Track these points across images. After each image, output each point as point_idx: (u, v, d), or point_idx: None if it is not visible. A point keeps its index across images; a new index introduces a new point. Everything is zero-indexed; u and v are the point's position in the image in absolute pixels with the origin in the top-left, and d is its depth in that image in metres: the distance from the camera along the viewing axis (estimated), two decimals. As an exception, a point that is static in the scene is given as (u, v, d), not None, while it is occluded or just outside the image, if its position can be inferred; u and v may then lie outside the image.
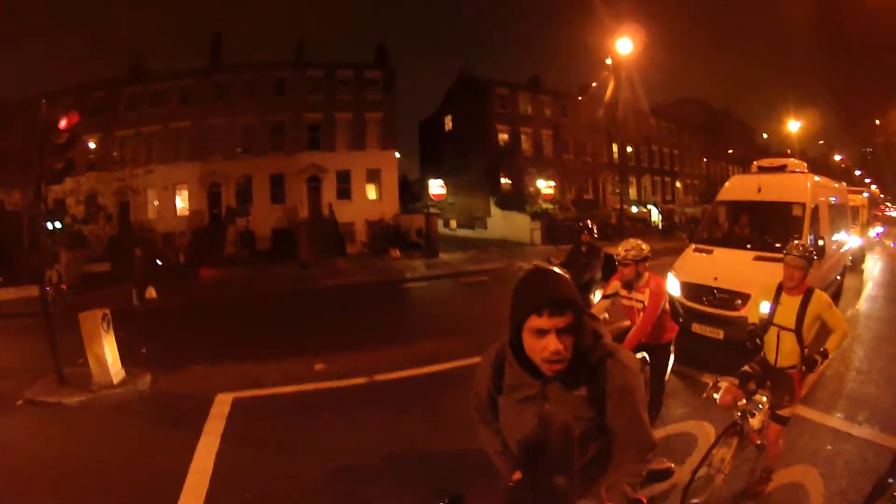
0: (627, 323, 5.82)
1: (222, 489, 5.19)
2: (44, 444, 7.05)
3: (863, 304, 13.12)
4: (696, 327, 8.68)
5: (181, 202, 36.96)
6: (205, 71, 37.90)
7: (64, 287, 19.87)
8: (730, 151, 66.42)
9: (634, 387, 2.18)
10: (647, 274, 5.49)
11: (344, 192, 38.14)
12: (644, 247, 5.47)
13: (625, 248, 5.45)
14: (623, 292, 5.66)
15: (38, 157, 9.77)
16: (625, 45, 26.70)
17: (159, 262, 20.18)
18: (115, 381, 8.73)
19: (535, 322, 2.01)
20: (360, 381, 8.13)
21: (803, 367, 4.61)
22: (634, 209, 49.45)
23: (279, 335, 12.47)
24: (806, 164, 10.91)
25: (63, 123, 9.65)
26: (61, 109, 10.65)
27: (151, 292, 17.20)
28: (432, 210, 30.82)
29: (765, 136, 73.23)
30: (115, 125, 35.78)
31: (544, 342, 2.01)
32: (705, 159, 65.86)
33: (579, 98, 46.76)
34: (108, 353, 8.75)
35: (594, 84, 38.10)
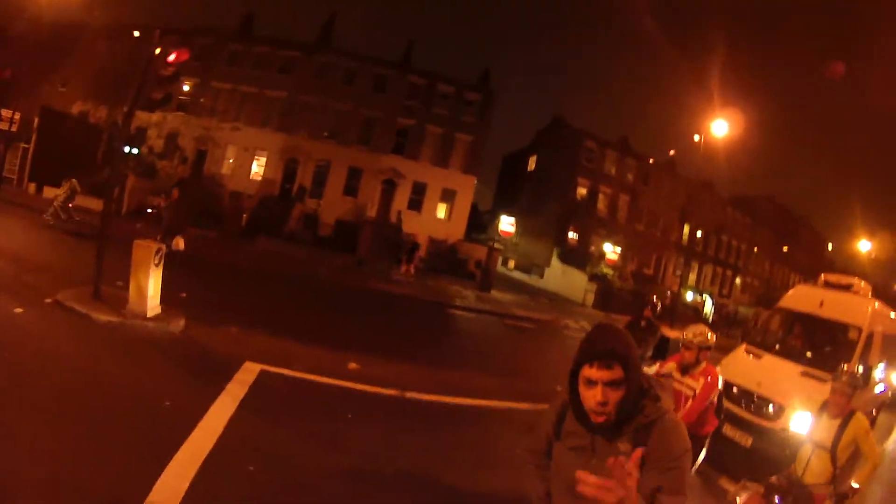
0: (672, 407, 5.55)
1: (226, 452, 4.92)
2: (56, 348, 6.99)
3: (891, 445, 12.41)
4: (727, 429, 8.28)
5: (256, 167, 37.29)
6: (311, 48, 38.34)
7: (70, 206, 19.89)
8: (784, 249, 64.24)
9: (680, 456, 2.11)
10: (705, 362, 5.44)
11: (415, 203, 37.99)
12: (710, 336, 5.45)
13: (693, 333, 5.44)
14: (677, 375, 5.65)
15: (138, 82, 9.83)
16: (719, 126, 25.96)
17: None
18: (150, 314, 8.64)
19: (586, 372, 2.10)
20: (391, 392, 7.72)
21: (832, 495, 4.60)
22: (690, 296, 48.34)
23: (319, 322, 12.25)
24: (871, 289, 10.52)
25: (171, 58, 9.71)
26: (171, 43, 10.76)
27: (179, 243, 14.26)
28: (496, 245, 30.47)
29: (830, 246, 71.37)
30: (214, 76, 36.43)
31: (592, 392, 2.08)
32: (770, 261, 64.20)
33: (659, 166, 46.30)
34: (151, 286, 8.69)
35: (672, 152, 37.38)
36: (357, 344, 10.14)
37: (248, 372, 7.12)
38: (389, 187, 37.51)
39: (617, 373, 2.04)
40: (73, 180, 20.16)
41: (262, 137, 36.77)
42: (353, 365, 8.54)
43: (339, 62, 37.84)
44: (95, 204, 25.24)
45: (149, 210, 18.98)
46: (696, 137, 29.36)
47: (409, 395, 7.79)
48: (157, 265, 8.75)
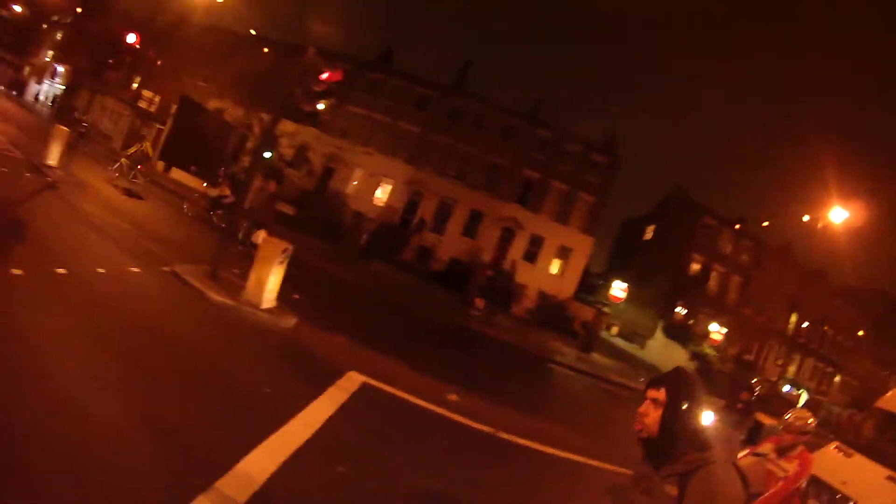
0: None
1: (318, 448, 4.98)
2: (167, 313, 7.54)
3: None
4: (801, 521, 7.85)
5: (381, 193, 38.38)
6: (446, 89, 39.44)
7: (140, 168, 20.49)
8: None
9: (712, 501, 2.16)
10: (801, 447, 5.42)
11: (531, 255, 37.83)
12: (811, 422, 5.47)
13: (795, 416, 5.46)
14: (773, 456, 5.53)
15: (289, 92, 10.29)
16: (838, 214, 24.44)
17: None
18: (263, 305, 8.94)
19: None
20: (486, 429, 7.61)
21: None
22: (787, 388, 45.65)
23: (423, 350, 12.38)
24: None
25: (325, 76, 10.12)
26: (328, 61, 11.18)
27: (259, 237, 13.63)
28: (605, 309, 29.95)
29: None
30: (351, 100, 37.78)
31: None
32: (871, 360, 59.51)
33: (774, 250, 44.41)
34: (271, 281, 9.02)
35: (806, 218, 35.32)
36: (457, 377, 10.11)
37: (351, 381, 7.20)
38: (507, 235, 37.61)
39: (661, 394, 2.34)
40: (147, 143, 21.07)
41: (389, 166, 37.94)
42: (452, 396, 8.49)
43: (471, 106, 38.69)
44: (217, 193, 26.71)
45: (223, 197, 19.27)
46: (806, 218, 27.99)
47: (503, 435, 7.63)
48: (280, 263, 9.09)
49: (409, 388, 7.87)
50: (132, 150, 20.23)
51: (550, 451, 7.88)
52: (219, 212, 18.13)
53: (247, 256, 12.13)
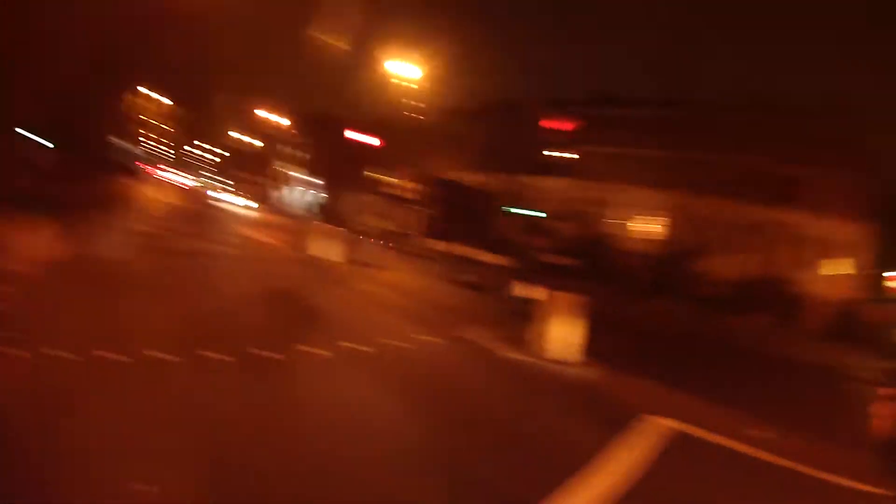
0: None
1: (615, 497, 4.78)
2: (462, 373, 8.35)
3: None
4: None
5: (650, 226, 37.54)
6: (675, 104, 37.90)
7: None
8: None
9: None
10: None
11: (805, 258, 33.80)
12: None
13: None
14: None
15: (534, 150, 10.59)
16: None
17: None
18: (563, 358, 9.18)
19: None
20: (813, 473, 6.61)
21: None
22: None
23: (728, 383, 11.43)
24: None
25: (565, 126, 10.26)
26: (556, 114, 11.34)
27: (534, 292, 12.31)
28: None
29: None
30: (600, 141, 37.54)
31: None
32: None
33: None
34: (563, 333, 9.31)
35: None
36: (768, 412, 9.17)
37: (652, 424, 6.86)
38: (782, 241, 34.16)
39: None
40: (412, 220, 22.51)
41: (652, 197, 36.96)
42: (767, 434, 7.71)
43: (709, 115, 36.51)
44: (492, 258, 28.14)
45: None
46: None
47: (844, 482, 6.59)
48: (576, 314, 9.33)
49: (717, 429, 7.18)
50: (375, 229, 22.17)
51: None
52: (472, 272, 19.53)
53: (521, 312, 12.52)
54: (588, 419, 7.00)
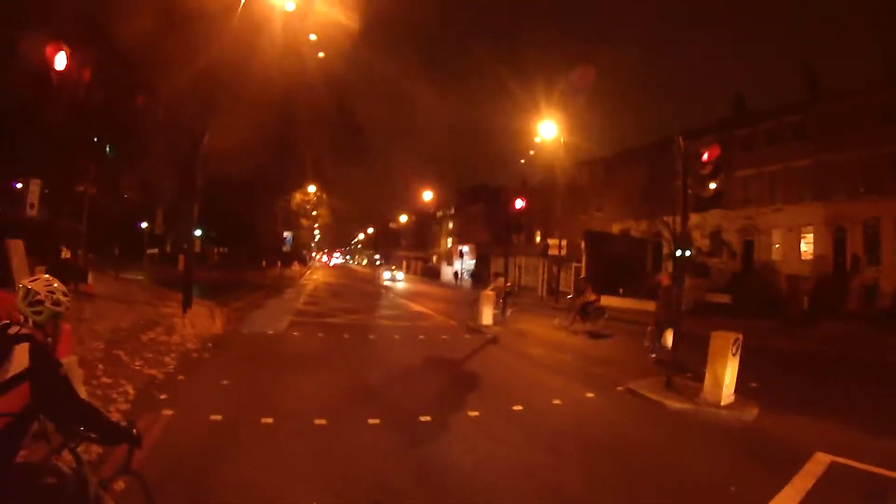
0: None
1: None
2: (628, 428, 8.17)
3: None
4: None
5: (804, 245, 34.57)
6: (807, 104, 34.66)
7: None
8: None
9: None
10: None
11: None
12: None
13: None
14: None
15: (682, 186, 10.59)
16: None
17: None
18: (723, 402, 8.96)
19: None
20: None
21: None
22: None
23: (882, 407, 10.64)
24: None
25: (705, 157, 10.25)
26: (700, 143, 11.26)
27: (667, 338, 12.92)
28: None
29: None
30: (734, 165, 35.08)
31: None
32: None
33: None
34: (728, 375, 9.05)
35: None
36: None
37: (818, 463, 6.67)
38: None
39: None
40: (500, 279, 22.43)
41: (802, 212, 34.05)
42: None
43: (840, 108, 32.69)
44: (651, 306, 27.58)
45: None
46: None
47: None
48: (734, 354, 9.12)
49: (881, 460, 6.86)
50: (490, 288, 22.02)
51: None
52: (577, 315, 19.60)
53: (658, 361, 12.41)
54: (752, 466, 6.83)
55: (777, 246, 35.68)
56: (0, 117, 18.61)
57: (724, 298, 30.46)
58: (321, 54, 25.36)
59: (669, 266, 31.76)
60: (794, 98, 36.74)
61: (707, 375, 9.22)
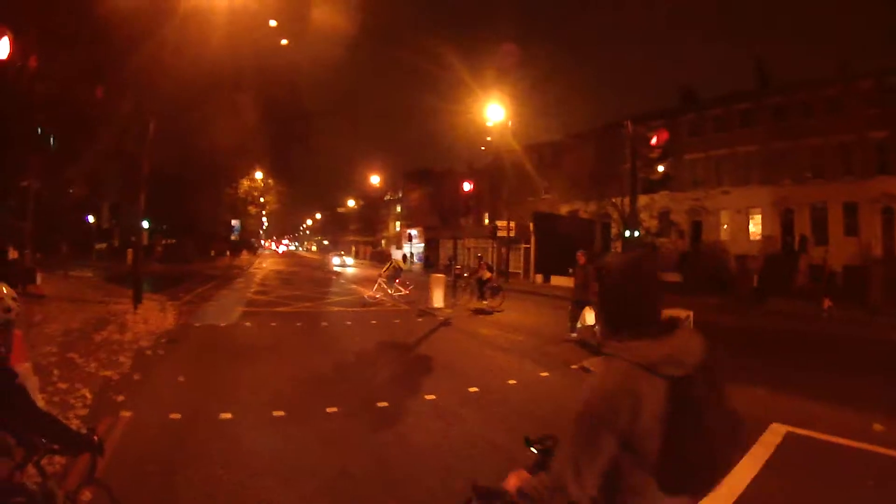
0: None
1: None
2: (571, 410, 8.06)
3: None
4: None
5: (753, 226, 36.14)
6: (757, 94, 36.58)
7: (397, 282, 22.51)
8: None
9: None
10: None
11: None
12: None
13: None
14: None
15: (631, 169, 10.74)
16: None
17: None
18: None
19: None
20: None
21: None
22: None
23: (838, 381, 10.94)
24: None
25: (654, 140, 10.38)
26: (649, 128, 11.43)
27: (586, 316, 13.08)
28: None
29: None
30: (683, 149, 36.70)
31: None
32: None
33: None
34: None
35: None
36: (880, 403, 8.83)
37: (774, 434, 6.89)
38: (889, 216, 31.71)
39: None
40: (394, 259, 23.25)
41: (750, 195, 35.69)
42: (877, 426, 7.47)
43: (789, 98, 34.86)
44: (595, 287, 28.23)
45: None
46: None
47: None
48: None
49: (831, 429, 7.16)
50: (385, 268, 22.86)
51: None
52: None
53: (579, 341, 12.97)
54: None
55: (725, 227, 36.91)
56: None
57: (675, 277, 31.14)
58: (284, 41, 25.04)
59: (619, 246, 32.23)
60: (745, 88, 38.43)
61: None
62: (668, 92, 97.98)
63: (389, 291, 22.00)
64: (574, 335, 13.62)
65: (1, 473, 2.95)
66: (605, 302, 2.14)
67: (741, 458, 5.98)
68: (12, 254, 19.70)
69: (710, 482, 1.99)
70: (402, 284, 22.54)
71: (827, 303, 21.25)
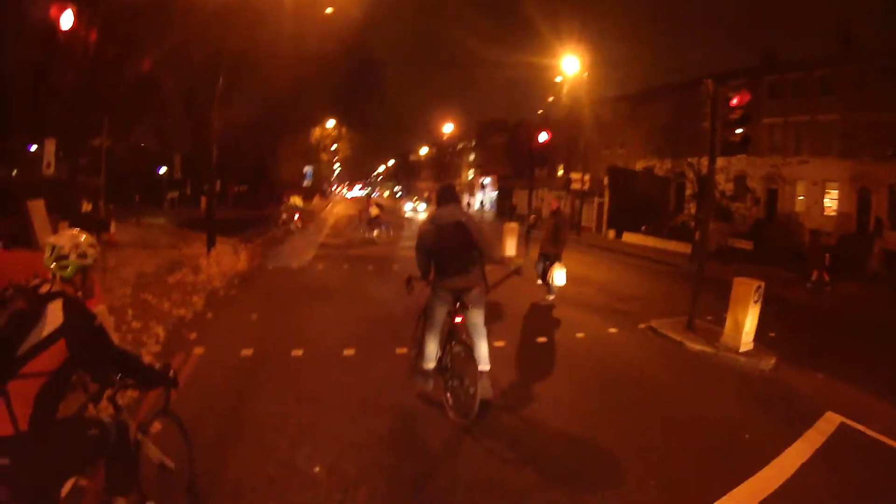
0: None
1: (787, 496, 4.84)
2: (647, 365, 8.44)
3: None
4: None
5: (829, 201, 33.92)
6: (838, 59, 33.21)
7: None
8: None
9: None
10: None
11: None
12: None
13: None
14: None
15: (710, 130, 10.44)
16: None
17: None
18: (742, 349, 9.07)
19: None
20: None
21: None
22: None
23: None
24: None
25: (735, 101, 10.08)
26: (730, 88, 11.03)
27: (554, 275, 12.09)
28: None
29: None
30: (761, 113, 34.37)
31: None
32: None
33: None
34: (748, 322, 9.12)
35: None
36: None
37: (829, 422, 6.67)
38: None
39: None
40: (295, 197, 24.40)
41: (828, 167, 33.26)
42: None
43: (871, 66, 31.02)
44: (673, 246, 27.61)
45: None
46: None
47: None
48: (755, 302, 9.17)
49: (887, 430, 6.65)
50: (284, 205, 23.65)
51: None
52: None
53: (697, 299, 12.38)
54: (767, 416, 6.87)
55: (801, 198, 35.07)
56: (10, 81, 18.59)
57: (747, 244, 30.19)
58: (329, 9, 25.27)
59: (692, 207, 31.30)
60: (826, 52, 35.54)
61: (728, 320, 9.31)
62: (747, 50, 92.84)
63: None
64: (551, 298, 12.39)
65: (74, 406, 3.17)
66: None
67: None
68: (86, 206, 20.55)
69: (454, 271, 5.63)
70: None
71: None
